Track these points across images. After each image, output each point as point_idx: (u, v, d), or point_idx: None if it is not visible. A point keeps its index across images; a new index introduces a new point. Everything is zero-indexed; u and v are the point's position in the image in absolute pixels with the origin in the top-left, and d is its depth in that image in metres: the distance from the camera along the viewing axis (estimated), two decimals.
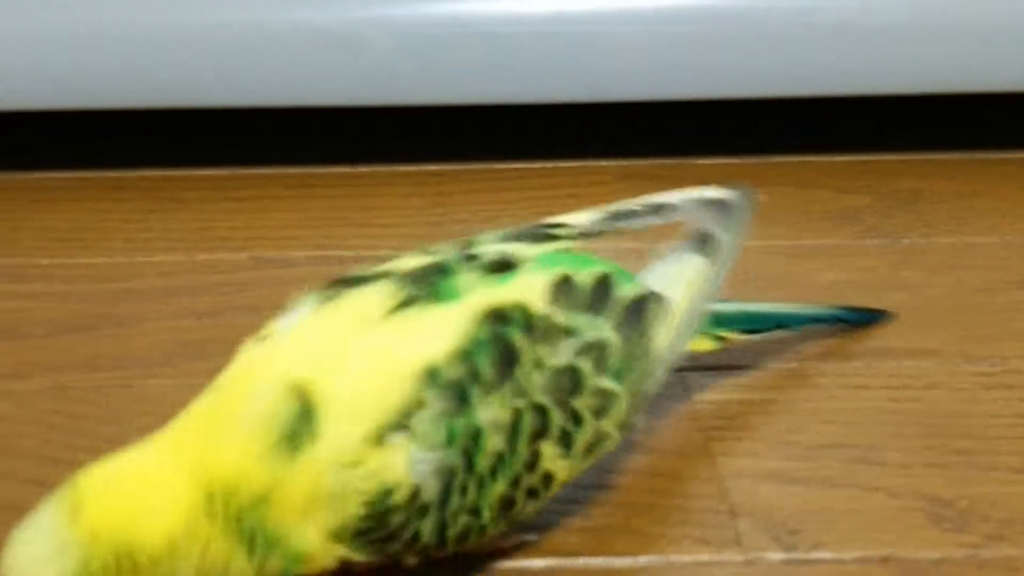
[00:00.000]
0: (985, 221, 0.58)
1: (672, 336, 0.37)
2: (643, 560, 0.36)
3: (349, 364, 0.32)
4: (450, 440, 0.31)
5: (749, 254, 0.54)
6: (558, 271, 0.35)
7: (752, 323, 0.44)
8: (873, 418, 0.42)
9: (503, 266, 0.35)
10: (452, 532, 0.32)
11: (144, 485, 0.30)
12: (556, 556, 0.36)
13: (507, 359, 0.33)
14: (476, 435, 0.32)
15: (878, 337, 0.48)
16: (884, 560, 0.36)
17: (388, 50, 0.59)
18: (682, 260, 0.39)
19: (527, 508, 0.34)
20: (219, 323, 0.49)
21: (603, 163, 0.66)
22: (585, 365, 0.34)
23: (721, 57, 0.60)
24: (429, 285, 0.34)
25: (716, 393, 0.44)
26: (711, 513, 0.38)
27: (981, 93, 0.63)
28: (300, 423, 0.30)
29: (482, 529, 0.33)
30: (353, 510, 0.31)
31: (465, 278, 0.34)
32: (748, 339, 0.45)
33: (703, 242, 0.40)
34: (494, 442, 0.32)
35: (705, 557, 0.36)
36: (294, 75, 0.59)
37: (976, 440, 0.41)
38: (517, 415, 0.32)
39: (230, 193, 0.62)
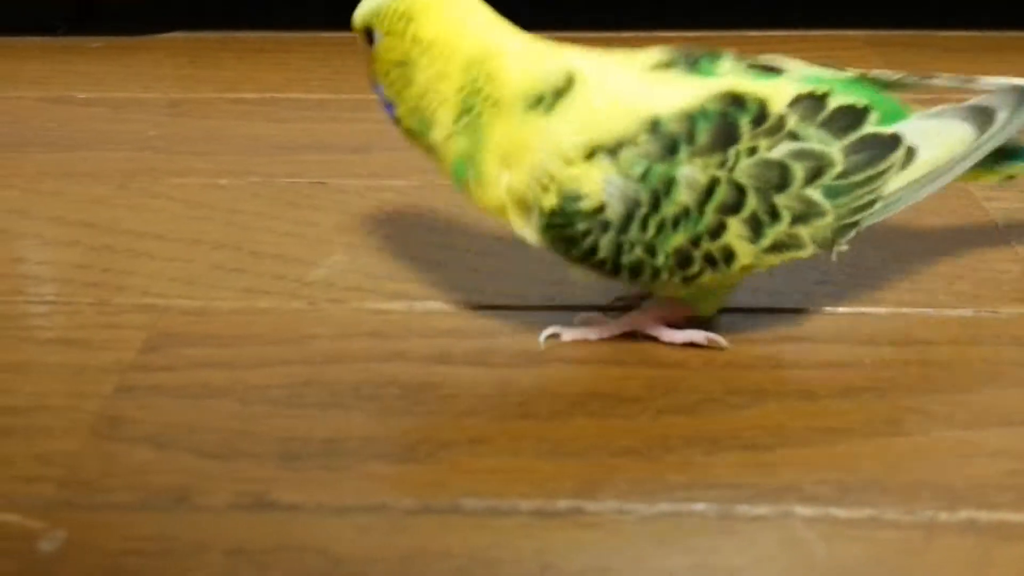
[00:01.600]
0: None
1: (907, 186, 0.39)
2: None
3: (602, 87, 0.37)
4: (644, 177, 0.36)
5: None
6: (815, 88, 0.38)
7: None
8: None
9: (768, 70, 0.39)
10: (626, 259, 0.37)
11: (461, 12, 0.38)
12: (890, 306, 0.43)
13: (726, 136, 0.37)
14: (669, 184, 0.36)
15: None
16: None
17: None
18: (951, 124, 0.40)
19: (705, 275, 0.38)
20: None
21: (852, 32, 0.72)
22: (797, 169, 0.37)
23: None
24: (694, 60, 0.39)
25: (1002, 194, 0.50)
26: (1019, 281, 0.44)
27: None
28: (553, 95, 0.37)
29: (655, 271, 0.37)
30: (548, 202, 0.37)
31: (728, 65, 0.39)
32: None
33: (981, 114, 0.40)
34: (684, 196, 0.36)
35: (1021, 310, 0.42)
36: None
37: None
38: (713, 183, 0.36)
39: None
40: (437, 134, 0.38)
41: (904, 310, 0.42)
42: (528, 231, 0.38)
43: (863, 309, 0.42)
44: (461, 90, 0.38)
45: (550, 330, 0.41)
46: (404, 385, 0.38)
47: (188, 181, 0.53)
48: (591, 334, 0.41)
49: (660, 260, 0.37)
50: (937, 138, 0.39)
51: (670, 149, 0.36)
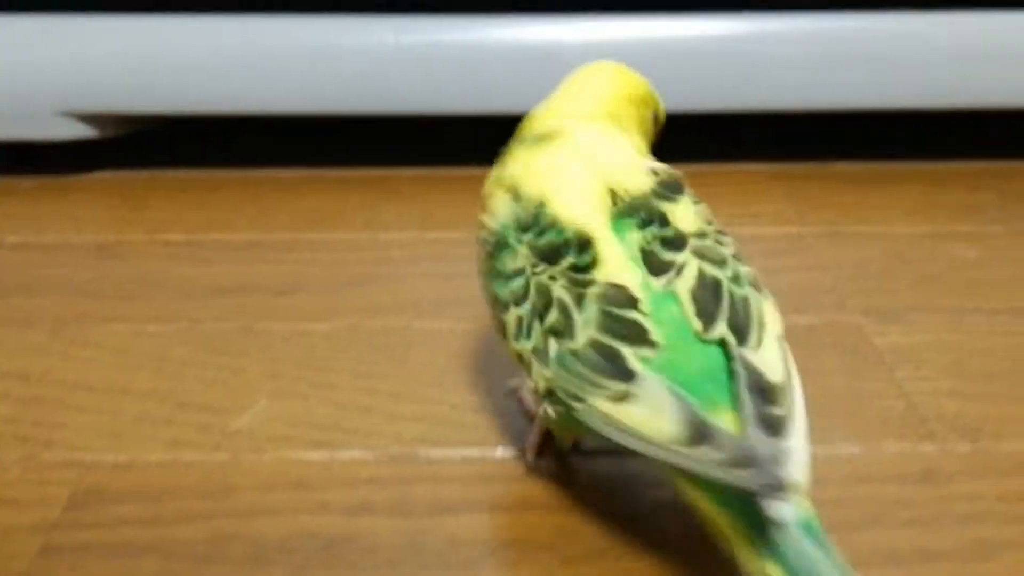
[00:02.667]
0: None
1: (604, 419, 0.37)
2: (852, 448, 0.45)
3: (566, 153, 0.42)
4: (502, 228, 0.42)
5: (895, 239, 0.64)
6: (643, 292, 0.38)
7: None
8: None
9: (660, 264, 0.39)
10: (487, 293, 0.43)
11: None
12: None
13: (552, 255, 0.40)
14: (504, 246, 0.41)
15: None
16: None
17: None
18: (669, 412, 0.36)
19: (504, 338, 0.42)
20: (461, 283, 0.59)
21: (758, 166, 0.76)
22: (552, 315, 0.39)
23: (858, 75, 0.70)
24: (632, 212, 0.40)
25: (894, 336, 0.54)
26: (903, 417, 0.47)
27: None
28: (536, 139, 0.44)
29: (491, 300, 0.42)
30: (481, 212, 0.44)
31: (635, 237, 0.40)
32: None
33: (700, 434, 0.35)
34: (507, 264, 0.41)
35: (903, 447, 0.45)
36: (486, 88, 0.71)
37: None
38: (519, 271, 0.40)
39: (442, 187, 0.73)
40: None
41: None
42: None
43: None
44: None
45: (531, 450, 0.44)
46: (326, 537, 0.40)
47: (118, 328, 0.55)
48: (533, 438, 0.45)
49: (487, 299, 0.43)
50: (651, 410, 0.36)
51: (525, 228, 0.41)
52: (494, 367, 0.51)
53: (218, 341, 0.54)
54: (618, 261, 0.39)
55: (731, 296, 0.38)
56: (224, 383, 0.50)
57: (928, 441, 0.45)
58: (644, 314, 0.38)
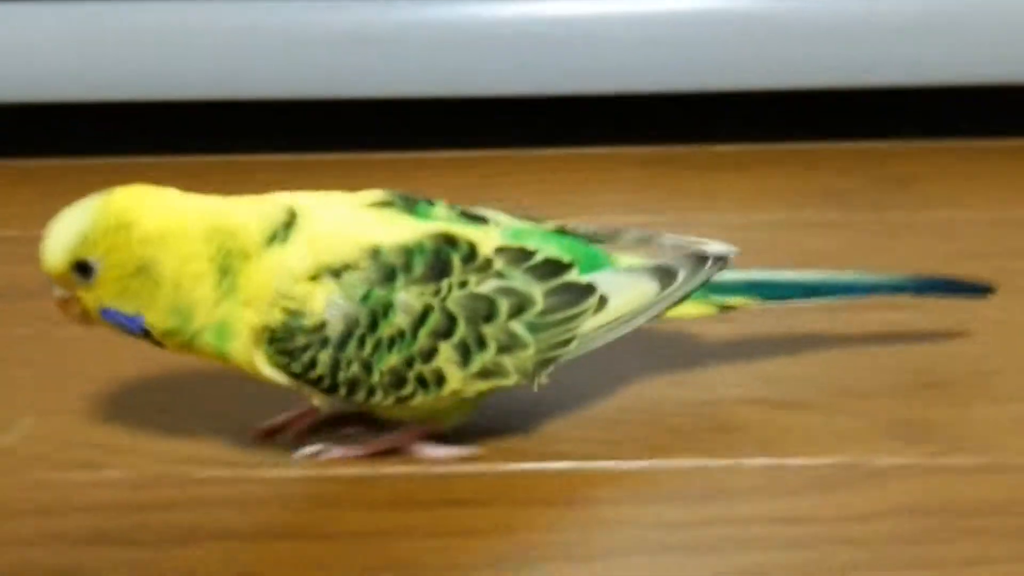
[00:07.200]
0: (970, 199, 0.65)
1: (599, 328, 0.43)
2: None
3: (325, 217, 0.40)
4: (365, 299, 0.39)
5: (748, 228, 0.62)
6: (525, 244, 0.42)
7: (767, 292, 0.46)
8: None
9: (476, 219, 0.43)
10: (343, 376, 0.40)
11: (167, 199, 0.40)
12: (572, 460, 0.43)
13: (439, 269, 0.40)
14: (387, 307, 0.39)
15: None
16: (850, 466, 0.43)
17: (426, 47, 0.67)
18: (639, 279, 0.44)
19: (417, 396, 0.41)
20: None
21: (623, 150, 0.73)
22: (503, 304, 0.41)
23: (738, 54, 0.67)
24: (411, 203, 0.42)
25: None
26: (707, 431, 0.45)
27: (976, 86, 0.70)
28: (283, 228, 0.40)
29: (371, 390, 0.40)
30: (275, 316, 0.39)
31: (442, 212, 0.43)
32: (767, 306, 0.49)
33: (665, 274, 0.44)
34: (400, 320, 0.40)
35: (699, 462, 0.43)
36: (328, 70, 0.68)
37: (932, 375, 0.48)
38: (428, 309, 0.40)
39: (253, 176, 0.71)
40: (201, 314, 0.39)
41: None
42: (261, 361, 0.40)
43: (572, 465, 0.43)
44: (213, 259, 0.39)
45: (311, 449, 0.43)
46: (48, 572, 0.38)
47: None
48: (353, 452, 0.43)
49: (375, 378, 0.40)
50: (626, 290, 0.44)
51: (389, 276, 0.40)
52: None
53: None
54: (480, 233, 0.42)
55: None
56: None
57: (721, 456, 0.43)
58: (543, 251, 0.42)
